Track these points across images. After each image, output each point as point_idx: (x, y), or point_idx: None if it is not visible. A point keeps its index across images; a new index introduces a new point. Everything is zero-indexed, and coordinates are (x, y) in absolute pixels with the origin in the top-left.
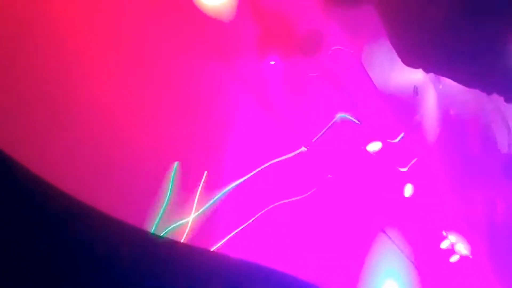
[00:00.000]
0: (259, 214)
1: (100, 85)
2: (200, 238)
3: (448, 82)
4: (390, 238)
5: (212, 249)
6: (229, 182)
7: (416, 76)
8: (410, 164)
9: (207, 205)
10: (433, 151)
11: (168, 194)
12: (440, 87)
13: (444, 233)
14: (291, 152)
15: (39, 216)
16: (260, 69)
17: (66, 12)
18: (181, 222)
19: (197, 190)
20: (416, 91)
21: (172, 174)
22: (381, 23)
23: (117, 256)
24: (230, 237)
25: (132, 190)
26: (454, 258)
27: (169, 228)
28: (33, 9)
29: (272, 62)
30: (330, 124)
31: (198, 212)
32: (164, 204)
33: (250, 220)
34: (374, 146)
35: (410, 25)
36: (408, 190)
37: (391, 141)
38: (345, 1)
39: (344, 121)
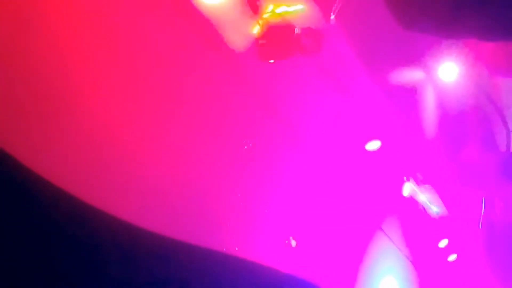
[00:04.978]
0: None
1: (99, 86)
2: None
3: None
4: (388, 236)
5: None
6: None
7: (416, 75)
8: None
9: None
10: (432, 150)
11: None
12: None
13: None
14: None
15: (39, 214)
16: (260, 68)
17: (66, 13)
18: None
19: None
20: (415, 89)
21: None
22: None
23: (117, 254)
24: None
25: (131, 189)
26: (452, 257)
27: None
28: (33, 10)
29: (272, 61)
30: None
31: None
32: None
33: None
34: (373, 145)
35: None
36: (407, 189)
37: None
38: None
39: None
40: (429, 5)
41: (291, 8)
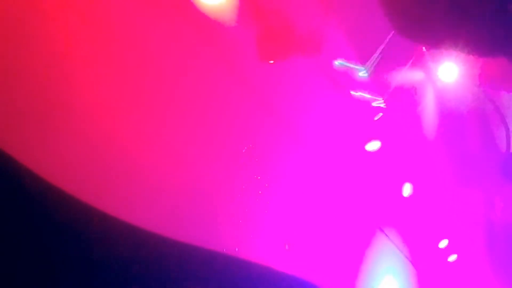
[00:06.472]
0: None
1: (98, 85)
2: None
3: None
4: (388, 237)
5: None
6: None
7: (415, 75)
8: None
9: None
10: (432, 150)
11: None
12: None
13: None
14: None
15: (38, 213)
16: (259, 68)
17: (63, 13)
18: None
19: None
20: (415, 90)
21: None
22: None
23: (115, 254)
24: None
25: (130, 189)
26: (452, 257)
27: None
28: (33, 11)
29: (272, 62)
30: None
31: None
32: None
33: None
34: (373, 145)
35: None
36: (407, 190)
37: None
38: None
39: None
40: (424, 15)
41: None
